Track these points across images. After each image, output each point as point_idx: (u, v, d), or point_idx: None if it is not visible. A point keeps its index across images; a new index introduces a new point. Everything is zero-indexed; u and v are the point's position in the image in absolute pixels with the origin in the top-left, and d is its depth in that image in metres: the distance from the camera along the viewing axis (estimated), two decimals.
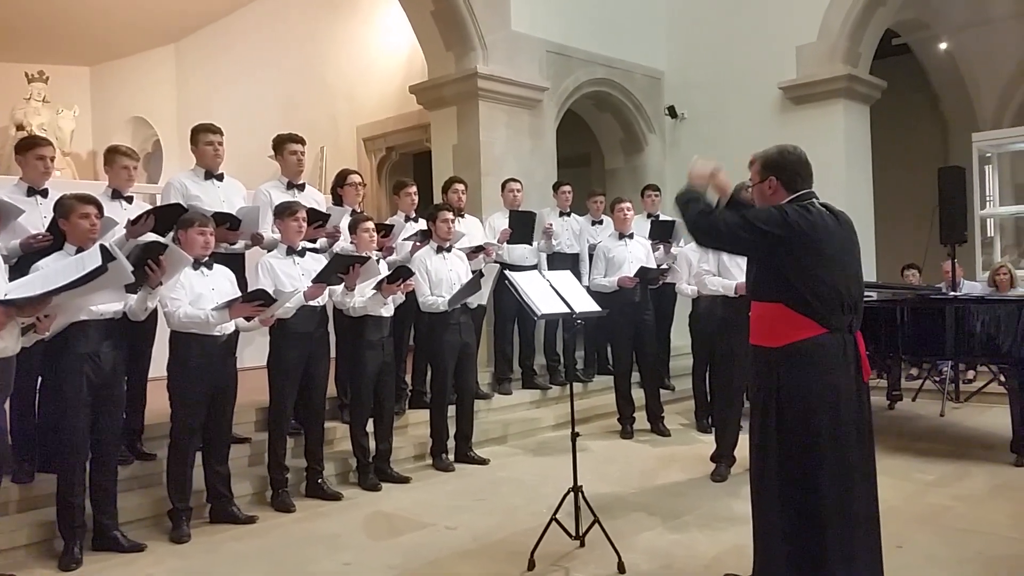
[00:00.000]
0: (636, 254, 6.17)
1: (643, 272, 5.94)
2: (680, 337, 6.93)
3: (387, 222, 5.58)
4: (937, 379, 7.16)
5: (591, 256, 6.78)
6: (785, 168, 2.78)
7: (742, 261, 4.80)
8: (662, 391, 6.50)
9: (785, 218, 2.63)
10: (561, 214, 7.01)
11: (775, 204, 2.74)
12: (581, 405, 6.42)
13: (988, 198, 8.41)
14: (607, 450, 5.78)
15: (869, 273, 7.89)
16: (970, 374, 7.60)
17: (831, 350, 2.64)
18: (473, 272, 5.38)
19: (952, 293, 6.55)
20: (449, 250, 5.37)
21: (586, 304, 4.01)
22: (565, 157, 8.32)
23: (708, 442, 5.13)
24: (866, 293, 6.16)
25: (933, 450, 5.46)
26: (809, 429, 2.62)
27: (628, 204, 6.35)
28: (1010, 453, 5.06)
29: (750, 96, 8.35)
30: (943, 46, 9.98)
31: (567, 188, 7.12)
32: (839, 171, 7.77)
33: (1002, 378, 5.90)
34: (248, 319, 4.06)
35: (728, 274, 4.94)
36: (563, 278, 4.11)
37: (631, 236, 6.27)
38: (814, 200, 2.76)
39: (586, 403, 6.73)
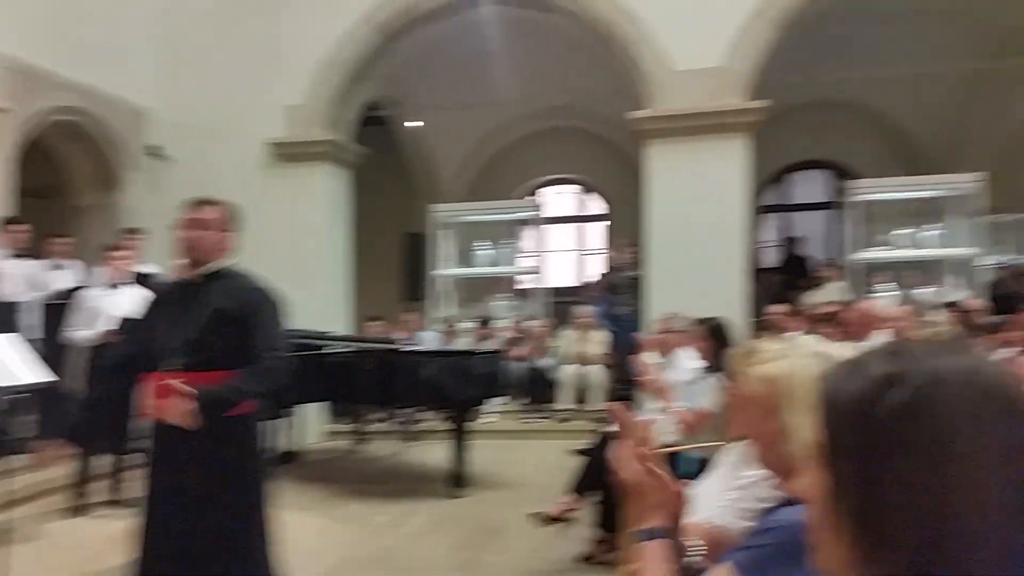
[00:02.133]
0: (122, 306, 5.58)
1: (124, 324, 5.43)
2: None
3: None
4: (398, 421, 8.06)
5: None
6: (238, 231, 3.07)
7: None
8: (127, 456, 6.00)
9: None
10: (15, 255, 6.08)
11: (222, 255, 2.95)
12: (26, 481, 5.54)
13: (442, 261, 9.83)
14: (52, 534, 5.01)
15: (344, 325, 8.54)
16: (424, 413, 8.74)
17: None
18: None
19: (407, 346, 7.47)
20: None
21: (32, 373, 3.57)
22: (21, 188, 7.23)
23: None
24: (334, 345, 6.68)
25: (389, 491, 6.08)
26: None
27: (127, 252, 5.78)
28: (447, 487, 5.93)
29: (240, 147, 8.41)
30: (411, 123, 11.45)
31: (23, 227, 6.22)
32: (320, 229, 8.31)
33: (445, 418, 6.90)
34: None
35: None
36: (7, 342, 3.60)
37: (119, 285, 5.69)
38: None
39: (34, 478, 5.81)
